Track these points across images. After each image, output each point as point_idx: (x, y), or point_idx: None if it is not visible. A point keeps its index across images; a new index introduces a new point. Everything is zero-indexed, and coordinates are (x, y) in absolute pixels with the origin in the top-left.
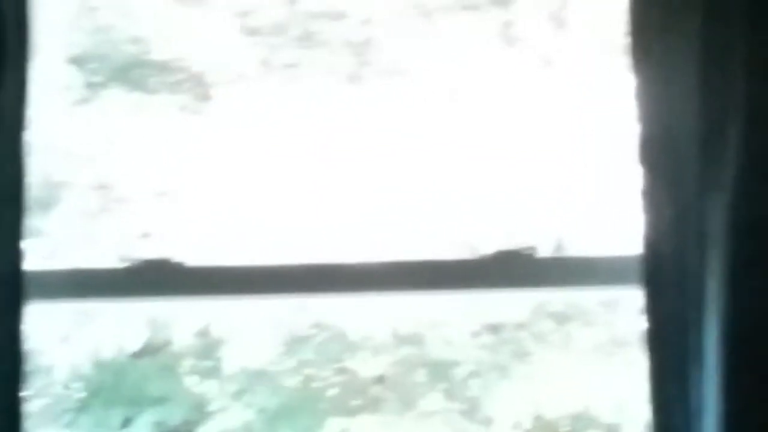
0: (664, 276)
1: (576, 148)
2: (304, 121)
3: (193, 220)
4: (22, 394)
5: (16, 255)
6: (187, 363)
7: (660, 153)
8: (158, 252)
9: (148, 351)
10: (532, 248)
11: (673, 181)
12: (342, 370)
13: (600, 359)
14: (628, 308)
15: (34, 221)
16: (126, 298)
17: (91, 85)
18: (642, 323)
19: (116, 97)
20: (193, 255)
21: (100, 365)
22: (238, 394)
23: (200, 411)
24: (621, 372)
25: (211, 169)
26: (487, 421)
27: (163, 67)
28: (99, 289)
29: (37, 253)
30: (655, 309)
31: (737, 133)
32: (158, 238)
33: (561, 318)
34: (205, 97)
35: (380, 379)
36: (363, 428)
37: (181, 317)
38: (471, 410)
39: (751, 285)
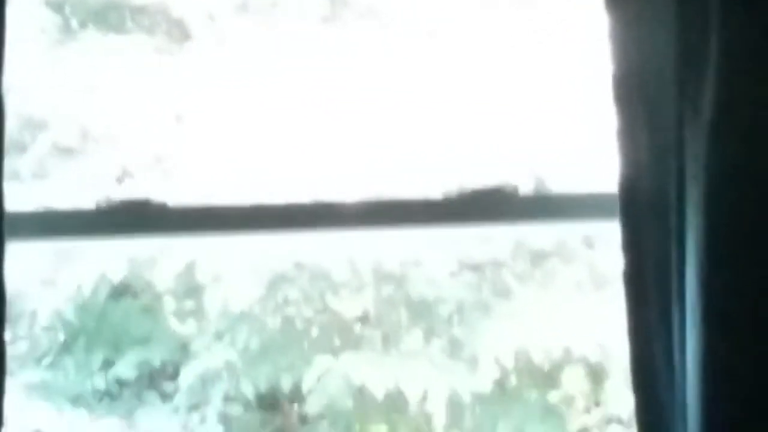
0: (642, 211)
1: (552, 86)
2: (281, 63)
3: (173, 161)
4: (4, 335)
5: None
6: (168, 303)
7: (635, 91)
8: (137, 192)
9: (129, 292)
10: (514, 186)
11: (650, 119)
12: (324, 309)
13: (581, 297)
14: (607, 245)
15: (11, 163)
16: (105, 238)
17: (67, 28)
18: (621, 260)
19: (93, 39)
20: (172, 195)
21: (80, 307)
22: (219, 334)
23: (183, 351)
24: (602, 309)
25: (189, 111)
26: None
27: (140, 10)
28: (78, 229)
29: (15, 194)
30: (634, 245)
31: (714, 70)
32: (137, 178)
33: (541, 256)
34: (181, 39)
35: (363, 319)
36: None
37: (161, 258)
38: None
39: (728, 219)
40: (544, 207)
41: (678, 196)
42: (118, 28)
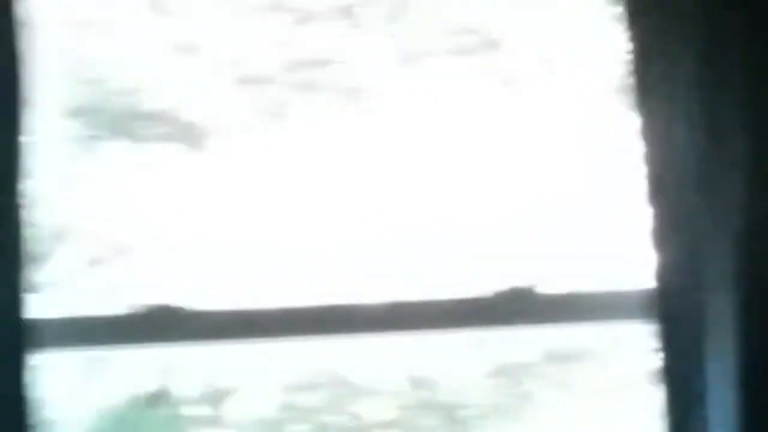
0: (677, 311)
1: (581, 184)
2: (299, 166)
3: (192, 267)
4: None
5: (19, 306)
6: (190, 412)
7: (668, 192)
8: (159, 299)
9: (152, 401)
10: (543, 286)
11: (682, 219)
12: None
13: (607, 400)
14: (633, 348)
15: (34, 274)
16: (129, 345)
17: (87, 138)
18: (652, 361)
19: (113, 148)
20: (194, 301)
21: (104, 417)
22: None
23: None
24: (629, 412)
25: (209, 216)
26: None
27: (157, 118)
28: (102, 336)
29: (37, 305)
30: (670, 345)
31: (743, 170)
32: (158, 286)
33: (565, 358)
34: (198, 146)
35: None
36: None
37: (183, 365)
38: None
39: (763, 320)
40: (571, 307)
41: (712, 296)
42: (136, 136)
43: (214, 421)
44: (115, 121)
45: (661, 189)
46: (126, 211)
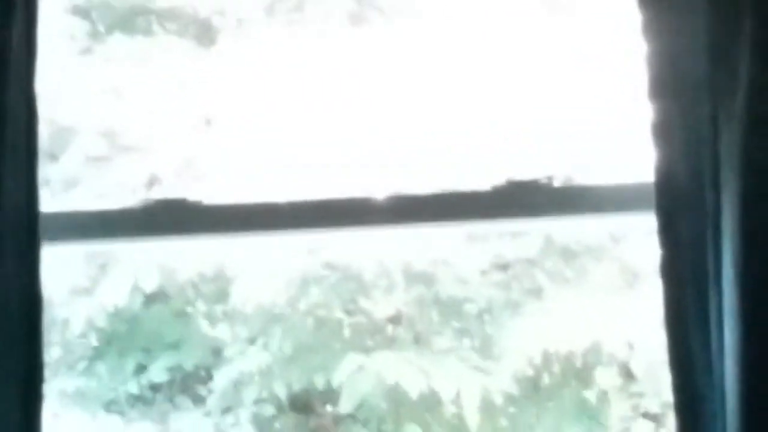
0: (678, 202)
1: (584, 81)
2: (309, 63)
3: (201, 162)
4: (42, 342)
5: (32, 199)
6: (200, 307)
7: (670, 86)
8: (168, 193)
9: (161, 297)
10: (548, 178)
11: (684, 113)
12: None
13: (610, 294)
14: (636, 242)
15: (42, 169)
16: (140, 237)
17: (95, 34)
18: (655, 254)
19: (120, 44)
20: (204, 196)
21: (113, 314)
22: (252, 338)
23: (215, 355)
24: (634, 305)
25: (219, 112)
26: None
27: (168, 14)
28: (113, 229)
29: (46, 202)
30: (670, 235)
31: (746, 65)
32: (166, 183)
33: (571, 253)
34: (209, 42)
35: (394, 319)
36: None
37: (191, 261)
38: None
39: (764, 208)
40: (575, 199)
41: (713, 186)
42: (146, 31)
43: (220, 314)
44: (124, 16)
45: (660, 85)
46: (134, 107)
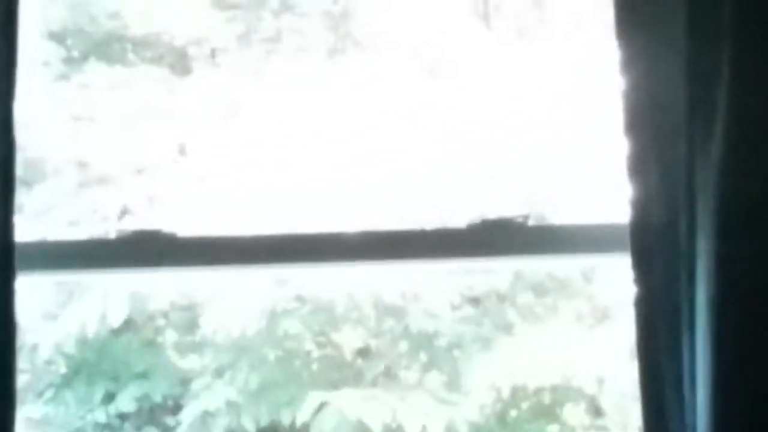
0: (653, 243)
1: (560, 118)
2: (284, 94)
3: (173, 193)
4: (16, 366)
5: (7, 229)
6: (170, 337)
7: (646, 123)
8: (143, 225)
9: (131, 326)
10: (525, 216)
11: (660, 150)
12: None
13: (581, 330)
14: (607, 279)
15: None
16: (115, 269)
17: (69, 60)
18: (626, 293)
19: (95, 71)
20: (176, 227)
21: (82, 341)
22: (220, 370)
23: (184, 385)
24: (603, 342)
25: (192, 143)
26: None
27: (142, 42)
28: (88, 260)
29: (20, 229)
30: (645, 276)
31: (724, 100)
32: (139, 211)
33: (541, 289)
34: (183, 72)
35: (363, 352)
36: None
37: (162, 291)
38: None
39: (740, 251)
40: (548, 239)
41: (688, 226)
42: (121, 59)
43: (191, 344)
44: (98, 44)
45: (637, 123)
46: (107, 135)
